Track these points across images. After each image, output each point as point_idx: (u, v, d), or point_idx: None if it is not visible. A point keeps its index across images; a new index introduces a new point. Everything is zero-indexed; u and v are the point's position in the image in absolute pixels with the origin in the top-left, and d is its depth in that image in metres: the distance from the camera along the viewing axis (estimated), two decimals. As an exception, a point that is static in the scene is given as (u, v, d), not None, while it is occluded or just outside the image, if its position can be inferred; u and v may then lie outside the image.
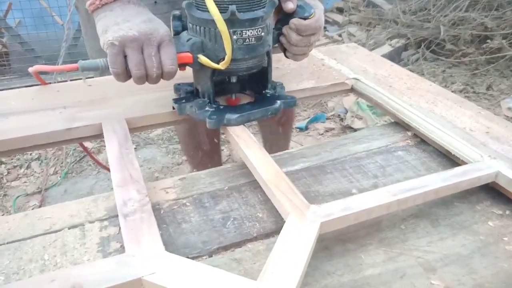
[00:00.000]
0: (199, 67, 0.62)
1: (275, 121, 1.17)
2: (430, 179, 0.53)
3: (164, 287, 0.38)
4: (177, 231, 0.50)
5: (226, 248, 0.48)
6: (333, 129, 1.98)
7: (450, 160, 0.64)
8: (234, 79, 0.68)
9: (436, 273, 0.45)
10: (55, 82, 0.78)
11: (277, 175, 0.54)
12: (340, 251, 0.47)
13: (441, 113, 0.71)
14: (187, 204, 0.55)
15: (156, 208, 0.53)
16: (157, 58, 0.56)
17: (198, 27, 0.59)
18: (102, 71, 0.58)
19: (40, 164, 1.73)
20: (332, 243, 0.48)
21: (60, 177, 1.65)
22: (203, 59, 0.60)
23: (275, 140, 1.26)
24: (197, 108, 0.64)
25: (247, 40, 0.59)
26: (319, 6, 0.67)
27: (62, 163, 1.72)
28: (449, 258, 0.47)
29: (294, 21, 0.64)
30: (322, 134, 1.94)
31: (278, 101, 0.67)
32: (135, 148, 1.83)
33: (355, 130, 1.95)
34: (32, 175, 1.68)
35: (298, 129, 1.96)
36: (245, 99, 0.71)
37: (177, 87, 0.71)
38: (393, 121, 0.77)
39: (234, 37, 0.58)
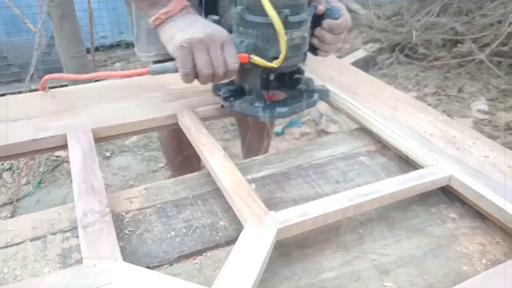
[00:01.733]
0: (250, 66, 0.67)
1: (256, 124, 1.18)
2: (386, 183, 0.55)
3: (119, 298, 0.38)
4: (139, 240, 0.51)
5: (187, 256, 0.49)
6: (308, 133, 2.00)
7: (409, 164, 0.66)
8: (272, 77, 0.73)
9: (389, 275, 0.46)
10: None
11: (239, 182, 0.55)
12: (299, 256, 0.49)
13: (402, 118, 0.74)
14: (150, 213, 0.55)
15: (119, 218, 0.54)
16: (222, 58, 0.62)
17: (251, 30, 0.65)
18: (172, 72, 0.63)
19: (11, 174, 1.69)
20: (292, 249, 0.50)
21: (32, 187, 1.62)
22: (256, 58, 0.65)
23: (254, 143, 1.27)
24: (248, 104, 0.69)
25: (295, 40, 0.66)
26: (342, 7, 0.74)
27: (34, 172, 1.69)
28: (403, 260, 0.49)
29: (328, 21, 0.70)
30: (297, 138, 1.97)
31: (315, 94, 0.74)
32: (109, 156, 1.81)
33: (328, 133, 1.98)
34: (3, 186, 1.64)
35: (274, 134, 1.98)
36: (278, 95, 0.76)
37: (217, 87, 0.75)
38: (358, 127, 0.79)
39: (286, 37, 0.63)
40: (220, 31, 0.62)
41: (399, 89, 0.89)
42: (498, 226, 0.53)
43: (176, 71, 0.62)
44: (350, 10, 3.78)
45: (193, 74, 0.62)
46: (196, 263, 0.48)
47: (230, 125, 2.07)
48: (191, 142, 0.66)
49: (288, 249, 0.49)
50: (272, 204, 0.57)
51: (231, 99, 0.71)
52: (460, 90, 2.56)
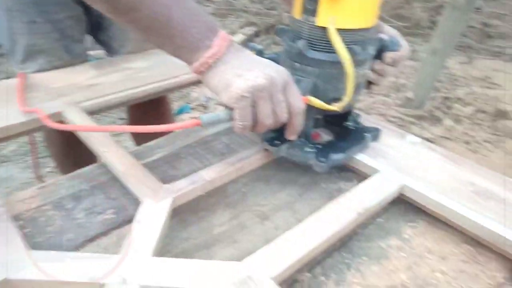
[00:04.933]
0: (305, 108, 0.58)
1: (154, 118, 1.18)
2: (259, 148, 0.66)
3: (31, 280, 0.42)
4: (42, 236, 0.53)
5: (92, 240, 0.53)
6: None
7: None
8: (321, 115, 0.65)
9: (269, 219, 0.57)
10: None
11: (133, 166, 0.60)
12: (195, 219, 0.57)
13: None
14: (49, 209, 0.58)
15: (17, 219, 0.55)
16: (285, 103, 0.53)
17: (310, 68, 0.57)
18: (226, 123, 0.53)
19: None
20: (187, 214, 0.57)
21: None
22: (314, 100, 0.58)
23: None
24: (299, 150, 0.62)
25: (359, 78, 0.59)
26: (396, 33, 0.67)
27: None
28: (279, 206, 0.60)
29: (390, 54, 0.62)
30: (189, 124, 2.03)
31: (366, 134, 0.66)
32: (-14, 170, 1.65)
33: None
34: None
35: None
36: (322, 133, 0.69)
37: None
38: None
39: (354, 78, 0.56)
40: (281, 72, 0.53)
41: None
42: (352, 171, 0.68)
43: (230, 121, 0.53)
44: (225, -5, 3.90)
45: (252, 125, 0.54)
46: (102, 244, 0.53)
47: (119, 119, 2.03)
48: (79, 138, 0.69)
49: (185, 215, 0.57)
50: (166, 181, 0.63)
51: (277, 141, 0.63)
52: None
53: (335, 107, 0.59)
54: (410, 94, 2.30)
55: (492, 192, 0.58)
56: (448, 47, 2.15)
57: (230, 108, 0.52)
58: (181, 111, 2.10)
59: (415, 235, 0.56)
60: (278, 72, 0.52)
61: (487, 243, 0.53)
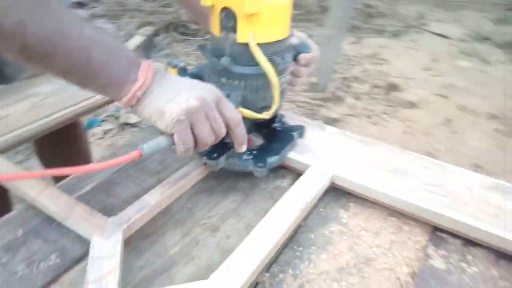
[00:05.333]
0: None
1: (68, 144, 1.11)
2: (195, 163, 0.67)
3: None
4: (-20, 298, 0.49)
5: (41, 289, 0.50)
6: (111, 129, 1.98)
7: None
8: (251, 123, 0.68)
9: (219, 230, 0.60)
10: None
11: (68, 203, 0.57)
12: (147, 245, 0.57)
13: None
14: (-19, 267, 0.53)
15: None
16: (220, 117, 0.54)
17: (237, 82, 0.60)
18: (168, 149, 0.53)
19: None
20: (138, 241, 0.57)
21: None
22: (245, 111, 0.61)
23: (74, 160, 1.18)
24: (236, 159, 0.65)
25: (282, 85, 0.64)
26: (301, 35, 0.70)
27: None
28: (226, 215, 0.63)
29: (303, 56, 0.67)
30: (101, 138, 1.93)
31: (293, 133, 0.71)
32: None
33: (133, 125, 2.01)
34: None
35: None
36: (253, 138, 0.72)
37: None
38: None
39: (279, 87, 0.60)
40: (210, 89, 0.54)
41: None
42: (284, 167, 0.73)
43: (171, 146, 0.53)
44: (114, -3, 3.70)
45: (194, 146, 0.54)
46: (53, 291, 0.50)
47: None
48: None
49: (136, 243, 0.57)
50: (107, 211, 0.62)
51: (215, 155, 0.65)
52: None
53: (265, 115, 0.63)
54: (314, 79, 2.46)
55: (404, 170, 0.68)
56: (341, 31, 2.34)
57: (169, 134, 0.53)
58: (90, 126, 1.98)
59: (350, 218, 0.63)
60: (207, 90, 0.54)
61: (408, 213, 0.61)
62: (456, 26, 3.96)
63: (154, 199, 0.58)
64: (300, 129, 0.74)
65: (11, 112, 0.81)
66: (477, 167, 1.91)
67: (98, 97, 0.89)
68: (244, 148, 0.60)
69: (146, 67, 0.51)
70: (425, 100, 2.52)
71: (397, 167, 0.68)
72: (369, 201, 0.65)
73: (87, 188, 0.67)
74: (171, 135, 0.52)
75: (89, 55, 0.47)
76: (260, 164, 0.64)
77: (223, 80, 0.61)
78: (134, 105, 0.52)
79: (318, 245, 0.58)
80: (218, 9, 0.56)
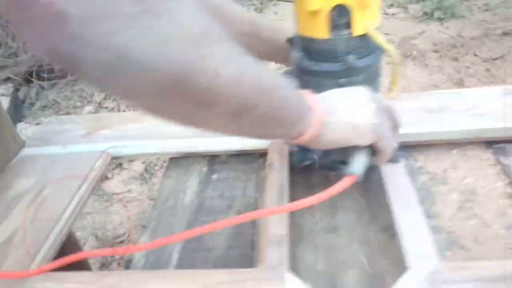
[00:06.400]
0: None
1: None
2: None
3: None
4: None
5: None
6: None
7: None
8: None
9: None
10: None
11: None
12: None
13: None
14: None
15: None
16: (393, 121, 0.53)
17: (356, 77, 0.57)
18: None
19: None
20: None
21: None
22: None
23: None
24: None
25: None
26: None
27: None
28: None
29: None
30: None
31: None
32: None
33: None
34: None
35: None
36: None
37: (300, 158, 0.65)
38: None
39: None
40: (364, 91, 0.52)
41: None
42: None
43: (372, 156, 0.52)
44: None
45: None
46: None
47: None
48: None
49: None
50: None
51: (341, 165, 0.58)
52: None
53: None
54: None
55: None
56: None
57: (367, 146, 0.50)
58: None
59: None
60: (374, 93, 0.53)
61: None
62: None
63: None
64: None
65: None
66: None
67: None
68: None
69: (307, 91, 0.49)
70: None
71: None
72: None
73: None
74: (368, 147, 0.50)
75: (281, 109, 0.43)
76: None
77: (342, 81, 0.58)
78: (320, 133, 0.48)
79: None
80: (327, 9, 0.53)
